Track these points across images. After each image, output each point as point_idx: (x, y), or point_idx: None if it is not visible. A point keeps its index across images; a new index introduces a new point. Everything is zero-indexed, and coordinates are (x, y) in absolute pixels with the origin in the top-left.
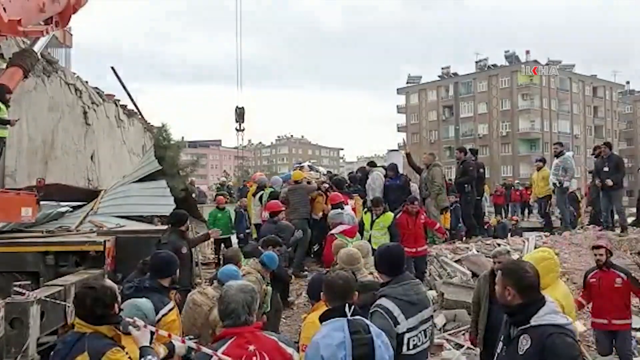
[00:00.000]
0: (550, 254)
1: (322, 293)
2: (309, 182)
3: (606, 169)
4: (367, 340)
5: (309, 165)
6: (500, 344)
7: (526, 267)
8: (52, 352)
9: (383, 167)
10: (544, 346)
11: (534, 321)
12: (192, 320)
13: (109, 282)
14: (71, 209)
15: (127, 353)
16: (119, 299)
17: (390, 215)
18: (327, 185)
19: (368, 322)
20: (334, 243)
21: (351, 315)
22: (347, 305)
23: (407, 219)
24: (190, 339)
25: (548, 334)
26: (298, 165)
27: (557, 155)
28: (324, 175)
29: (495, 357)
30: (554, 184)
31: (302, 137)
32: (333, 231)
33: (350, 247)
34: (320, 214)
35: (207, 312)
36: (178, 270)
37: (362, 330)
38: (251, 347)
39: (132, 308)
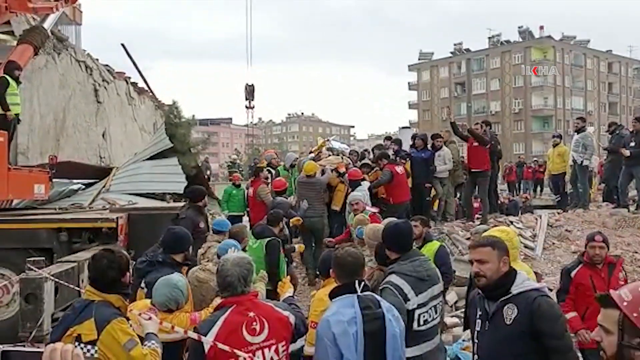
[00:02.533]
0: (508, 235)
1: (331, 270)
2: (323, 172)
3: (632, 143)
4: (378, 315)
5: (327, 148)
6: (479, 321)
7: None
8: (60, 317)
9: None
10: (531, 310)
11: (514, 290)
12: (202, 297)
13: (124, 251)
14: (83, 187)
15: (131, 325)
16: (131, 271)
17: (434, 245)
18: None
19: (378, 297)
20: (356, 218)
21: (361, 291)
22: (356, 281)
23: None
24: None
25: (533, 299)
26: (320, 145)
27: (578, 131)
28: (345, 156)
29: (475, 336)
30: (574, 161)
31: (313, 114)
32: (369, 209)
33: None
34: (340, 205)
35: (214, 287)
36: (191, 247)
37: (373, 306)
38: (251, 314)
39: (170, 287)
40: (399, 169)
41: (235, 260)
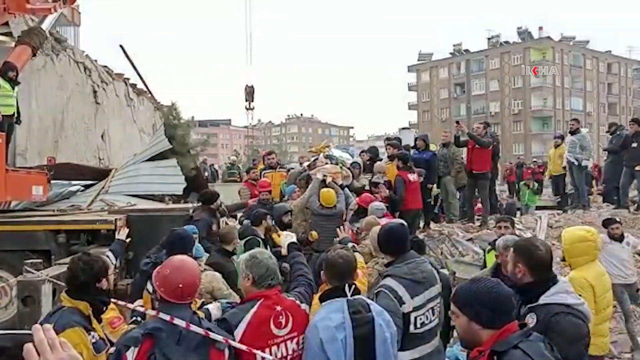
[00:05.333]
0: (593, 236)
1: (322, 272)
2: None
3: (635, 144)
4: (368, 319)
5: (326, 156)
6: None
7: (538, 244)
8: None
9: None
10: (548, 325)
11: (542, 300)
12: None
13: (104, 257)
14: (82, 188)
15: (94, 335)
16: (110, 277)
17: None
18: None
19: (368, 300)
20: (366, 220)
21: (351, 295)
22: (347, 285)
23: None
24: (229, 303)
25: (554, 313)
26: (315, 155)
27: (573, 132)
28: (346, 166)
29: None
30: (570, 162)
31: (312, 115)
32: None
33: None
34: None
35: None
36: (194, 249)
37: (363, 310)
38: (278, 307)
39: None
40: (411, 177)
41: (269, 253)
